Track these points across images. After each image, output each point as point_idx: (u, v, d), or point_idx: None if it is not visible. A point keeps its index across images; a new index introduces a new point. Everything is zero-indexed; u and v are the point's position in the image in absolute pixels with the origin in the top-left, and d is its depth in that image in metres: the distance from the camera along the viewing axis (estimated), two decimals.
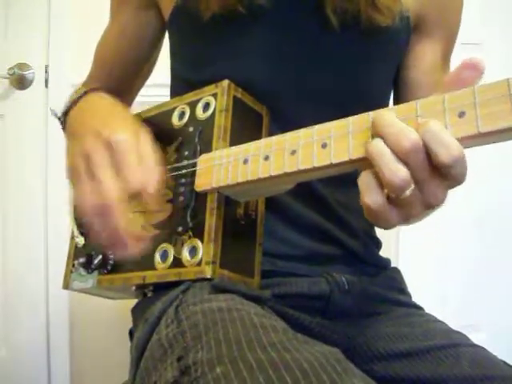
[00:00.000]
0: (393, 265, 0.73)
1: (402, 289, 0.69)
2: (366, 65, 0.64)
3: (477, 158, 1.62)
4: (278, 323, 0.42)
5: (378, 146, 0.37)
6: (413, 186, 0.36)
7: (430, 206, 0.38)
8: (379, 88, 0.67)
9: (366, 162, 0.39)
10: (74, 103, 0.60)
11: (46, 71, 1.41)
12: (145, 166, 0.46)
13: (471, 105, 0.34)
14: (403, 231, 1.47)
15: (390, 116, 0.37)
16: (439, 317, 0.65)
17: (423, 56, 0.68)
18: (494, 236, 1.52)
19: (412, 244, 1.48)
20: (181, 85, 0.68)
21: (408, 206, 0.38)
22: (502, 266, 1.52)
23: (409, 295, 0.69)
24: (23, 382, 1.36)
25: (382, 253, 0.72)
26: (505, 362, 0.54)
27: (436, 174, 0.36)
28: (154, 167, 0.47)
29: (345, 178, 0.64)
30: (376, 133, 0.37)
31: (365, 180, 0.38)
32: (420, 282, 1.21)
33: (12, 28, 1.41)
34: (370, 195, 0.37)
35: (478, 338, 0.60)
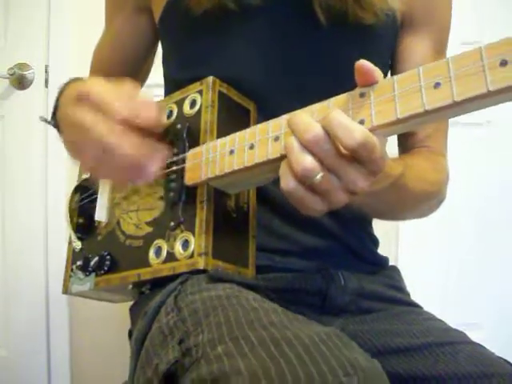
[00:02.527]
0: (392, 264, 0.73)
1: (400, 287, 0.69)
2: (355, 60, 0.64)
3: (477, 158, 1.62)
4: (277, 306, 0.43)
5: (288, 140, 0.40)
6: (321, 174, 0.39)
7: (352, 192, 0.40)
8: None
9: None
10: (57, 102, 0.60)
11: (46, 71, 1.41)
12: (124, 95, 0.48)
13: (446, 76, 0.35)
14: (403, 230, 1.47)
15: (298, 115, 0.41)
16: (439, 316, 0.64)
17: (413, 51, 0.69)
18: (493, 235, 1.52)
19: (412, 244, 1.48)
20: (173, 87, 0.69)
21: (327, 193, 0.40)
22: (502, 265, 1.52)
23: (407, 293, 0.69)
24: (23, 381, 1.36)
25: (382, 252, 0.72)
26: (503, 359, 0.54)
27: (351, 161, 0.39)
28: (133, 93, 0.48)
29: None
30: (290, 127, 0.41)
31: (282, 168, 0.41)
32: (420, 282, 1.21)
33: (12, 28, 1.42)
34: (284, 180, 0.41)
35: (478, 337, 0.60)
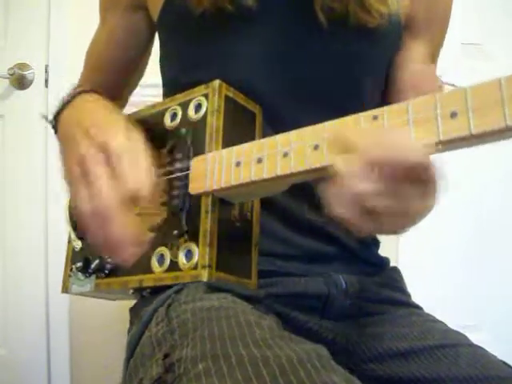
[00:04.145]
0: (393, 265, 0.72)
1: (401, 288, 0.68)
2: (358, 64, 0.64)
3: (478, 159, 1.62)
4: (265, 321, 0.43)
5: (341, 161, 0.37)
6: (382, 197, 0.36)
7: (410, 216, 0.38)
8: (373, 87, 0.67)
9: None
10: (66, 104, 0.60)
11: (46, 71, 1.41)
12: (139, 168, 0.46)
13: (463, 106, 0.34)
14: None
15: (355, 131, 0.38)
16: (439, 317, 0.64)
17: (412, 56, 0.69)
18: (493, 236, 1.52)
19: (412, 244, 1.48)
20: (172, 87, 0.68)
21: (383, 216, 0.38)
22: (502, 265, 1.52)
23: (408, 295, 0.69)
24: (23, 381, 1.36)
25: (382, 253, 0.72)
26: (504, 362, 0.54)
27: (408, 182, 0.36)
28: (147, 169, 0.47)
29: None
30: (343, 147, 0.38)
31: (332, 189, 0.38)
32: (420, 282, 1.21)
33: (12, 28, 1.41)
34: (335, 203, 0.38)
35: (478, 338, 0.60)
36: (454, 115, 0.35)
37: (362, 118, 0.40)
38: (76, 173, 0.48)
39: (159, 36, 0.72)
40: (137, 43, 0.78)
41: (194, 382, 0.35)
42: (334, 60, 0.62)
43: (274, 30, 0.61)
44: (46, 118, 0.68)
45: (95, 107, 0.56)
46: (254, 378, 0.33)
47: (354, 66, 0.63)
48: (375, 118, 0.39)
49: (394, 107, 0.38)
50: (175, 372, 0.38)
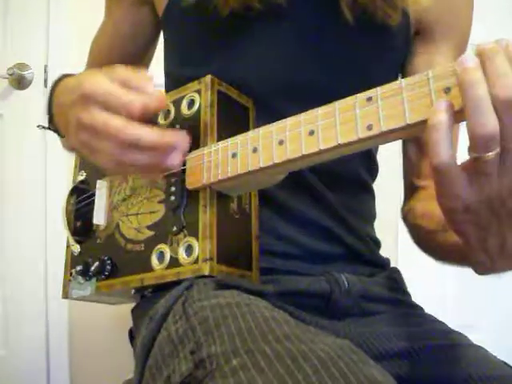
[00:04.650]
0: (392, 265, 0.72)
1: (401, 288, 0.68)
2: (377, 63, 0.64)
3: None
4: (289, 317, 0.42)
5: (481, 87, 0.32)
6: (498, 150, 0.32)
7: (506, 188, 0.34)
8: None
9: (353, 147, 0.40)
10: (50, 102, 0.60)
11: (46, 71, 1.41)
12: (132, 85, 0.47)
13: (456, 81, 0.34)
14: (403, 231, 1.46)
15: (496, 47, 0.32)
16: (439, 317, 0.64)
17: (432, 62, 0.67)
18: None
19: (412, 244, 1.48)
20: (174, 85, 0.68)
21: (484, 177, 0.33)
22: None
23: (408, 295, 0.69)
24: (22, 382, 1.35)
25: (382, 253, 0.72)
26: (504, 362, 0.54)
27: None
28: (140, 81, 0.47)
29: (347, 180, 0.65)
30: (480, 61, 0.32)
31: (437, 134, 0.33)
32: (420, 282, 1.21)
33: (11, 28, 1.41)
34: (443, 149, 0.33)
35: (478, 338, 0.60)
36: (447, 90, 0.35)
37: (357, 100, 0.40)
38: (85, 137, 0.48)
39: (163, 33, 0.72)
40: (142, 37, 0.77)
41: (230, 376, 0.34)
42: (356, 56, 0.62)
43: (297, 29, 0.60)
44: (43, 127, 0.68)
45: (70, 81, 0.56)
46: (296, 371, 0.32)
47: (374, 65, 0.63)
48: (369, 99, 0.39)
49: (386, 87, 0.38)
50: (206, 368, 0.37)
